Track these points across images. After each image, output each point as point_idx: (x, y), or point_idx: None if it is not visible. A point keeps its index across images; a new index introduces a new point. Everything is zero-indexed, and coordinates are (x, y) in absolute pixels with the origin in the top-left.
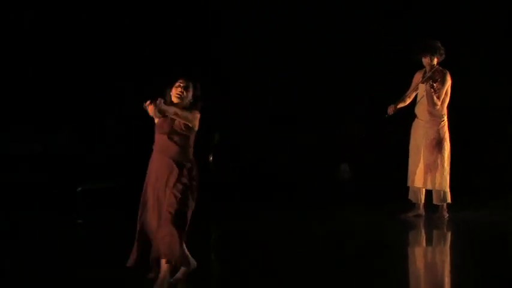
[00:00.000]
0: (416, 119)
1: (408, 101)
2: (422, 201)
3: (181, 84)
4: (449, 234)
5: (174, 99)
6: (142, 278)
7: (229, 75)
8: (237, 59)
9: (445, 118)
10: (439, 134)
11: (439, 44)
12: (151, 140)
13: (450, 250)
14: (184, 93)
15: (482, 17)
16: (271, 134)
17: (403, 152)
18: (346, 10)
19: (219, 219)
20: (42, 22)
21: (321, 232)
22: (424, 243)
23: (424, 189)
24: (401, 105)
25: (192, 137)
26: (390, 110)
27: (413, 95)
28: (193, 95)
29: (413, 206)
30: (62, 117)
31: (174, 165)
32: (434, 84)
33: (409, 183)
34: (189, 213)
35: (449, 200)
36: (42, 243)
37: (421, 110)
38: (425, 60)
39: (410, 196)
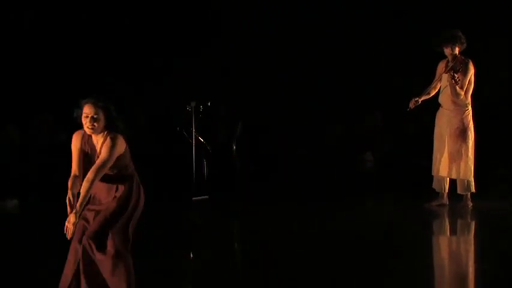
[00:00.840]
0: (440, 108)
1: (433, 92)
2: (446, 190)
3: (89, 115)
4: (473, 224)
5: (87, 131)
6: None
7: (229, 72)
8: (237, 58)
9: (469, 107)
10: (463, 123)
11: (460, 33)
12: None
13: (474, 240)
14: (96, 124)
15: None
16: (282, 129)
17: (427, 140)
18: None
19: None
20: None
21: (344, 221)
22: (448, 233)
23: (448, 179)
24: (425, 97)
25: (123, 158)
26: (412, 103)
27: (438, 85)
28: (107, 119)
29: (436, 195)
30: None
31: (113, 189)
32: (456, 75)
33: (434, 173)
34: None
35: (473, 189)
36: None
37: (444, 99)
38: (447, 51)
39: (435, 185)
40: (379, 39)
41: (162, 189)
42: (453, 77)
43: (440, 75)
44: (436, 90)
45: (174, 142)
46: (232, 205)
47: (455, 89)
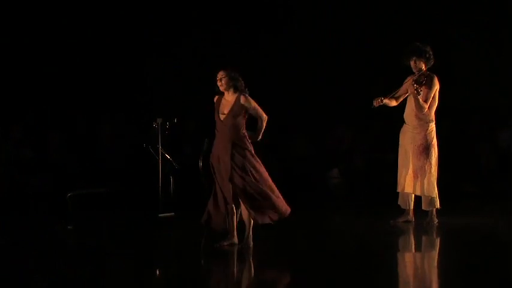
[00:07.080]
0: (404, 125)
1: (395, 103)
2: (411, 206)
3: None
4: (438, 240)
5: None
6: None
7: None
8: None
9: (433, 124)
10: (427, 139)
11: (427, 48)
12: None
13: (438, 256)
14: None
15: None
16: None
17: (394, 157)
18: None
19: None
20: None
21: (310, 237)
22: (413, 249)
23: (413, 195)
24: (387, 101)
25: None
26: (376, 102)
27: (401, 99)
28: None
29: (402, 211)
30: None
31: None
32: (419, 88)
33: (399, 189)
34: None
35: (437, 205)
36: (32, 248)
37: (408, 115)
38: (412, 64)
39: (400, 202)
40: (347, 50)
41: (128, 206)
42: (416, 89)
43: (406, 89)
44: (398, 103)
45: (140, 159)
46: (198, 222)
47: (419, 102)
